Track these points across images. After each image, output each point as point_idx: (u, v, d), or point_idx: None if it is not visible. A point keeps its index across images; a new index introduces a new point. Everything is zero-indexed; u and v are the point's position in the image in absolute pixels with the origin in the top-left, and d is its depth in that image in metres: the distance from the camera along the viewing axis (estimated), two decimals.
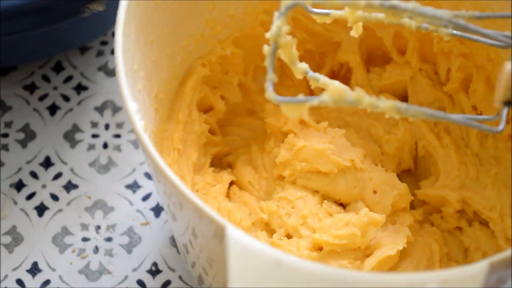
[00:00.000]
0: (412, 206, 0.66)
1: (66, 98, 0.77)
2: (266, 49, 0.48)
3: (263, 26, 0.68)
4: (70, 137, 0.75)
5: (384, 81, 0.70)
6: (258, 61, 0.69)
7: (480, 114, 0.65)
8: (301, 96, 0.48)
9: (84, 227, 0.70)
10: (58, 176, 0.73)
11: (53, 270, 0.68)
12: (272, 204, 0.63)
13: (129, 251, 0.69)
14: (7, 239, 0.69)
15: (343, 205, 0.64)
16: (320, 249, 0.61)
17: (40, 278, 0.68)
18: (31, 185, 0.72)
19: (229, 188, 0.66)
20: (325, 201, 0.63)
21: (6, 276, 0.68)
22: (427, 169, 0.68)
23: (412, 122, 0.67)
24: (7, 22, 0.67)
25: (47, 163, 0.73)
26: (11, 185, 0.72)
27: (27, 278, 0.68)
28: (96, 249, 0.69)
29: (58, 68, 0.79)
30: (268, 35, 0.49)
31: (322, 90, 0.48)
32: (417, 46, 0.67)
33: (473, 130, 0.66)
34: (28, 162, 0.73)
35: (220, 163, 0.69)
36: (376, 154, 0.67)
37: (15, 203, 0.71)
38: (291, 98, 0.48)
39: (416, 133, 0.68)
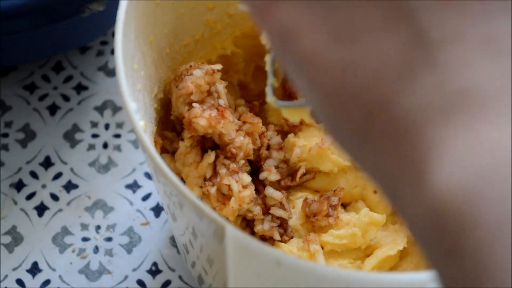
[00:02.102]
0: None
1: (66, 98, 0.77)
2: (266, 57, 0.48)
3: None
4: (70, 137, 0.75)
5: None
6: (258, 61, 0.69)
7: None
8: (302, 100, 0.48)
9: (84, 227, 0.70)
10: (58, 176, 0.73)
11: (53, 270, 0.68)
12: None
13: (129, 251, 0.69)
14: (7, 239, 0.69)
15: (343, 205, 0.64)
16: None
17: (40, 278, 0.68)
18: (31, 185, 0.72)
19: None
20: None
21: (6, 276, 0.68)
22: None
23: None
24: (7, 22, 0.67)
25: (47, 163, 0.73)
26: (11, 185, 0.72)
27: (27, 278, 0.68)
28: (96, 249, 0.69)
29: (58, 68, 0.79)
30: (267, 45, 0.49)
31: None
32: None
33: None
34: (28, 162, 0.73)
35: None
36: None
37: (15, 203, 0.71)
38: (292, 102, 0.48)
39: None
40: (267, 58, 0.49)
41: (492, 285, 0.23)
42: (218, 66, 0.60)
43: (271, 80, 0.48)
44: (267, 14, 0.28)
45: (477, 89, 0.24)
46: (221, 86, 0.60)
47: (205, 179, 0.58)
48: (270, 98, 0.48)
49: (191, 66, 0.60)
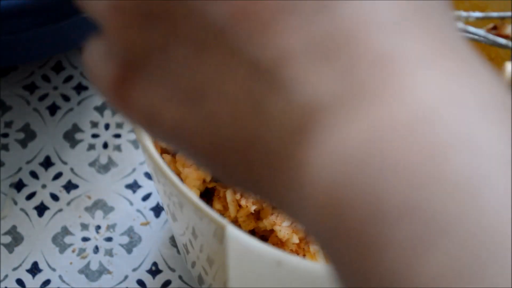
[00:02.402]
0: None
1: (66, 98, 0.77)
2: None
3: None
4: (70, 137, 0.75)
5: None
6: None
7: None
8: None
9: (84, 227, 0.70)
10: (58, 176, 0.73)
11: (53, 270, 0.68)
12: None
13: (129, 251, 0.69)
14: (7, 239, 0.69)
15: None
16: None
17: (40, 278, 0.68)
18: (31, 185, 0.72)
19: None
20: None
21: (6, 276, 0.68)
22: None
23: None
24: (7, 22, 0.66)
25: (47, 163, 0.73)
26: (11, 185, 0.72)
27: (27, 278, 0.68)
28: (96, 249, 0.69)
29: (58, 68, 0.79)
30: None
31: None
32: None
33: None
34: (28, 162, 0.73)
35: None
36: None
37: (15, 203, 0.71)
38: None
39: None
40: None
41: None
42: None
43: None
44: (125, 104, 0.29)
45: (319, 102, 0.25)
46: None
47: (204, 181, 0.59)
48: None
49: None
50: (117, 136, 0.75)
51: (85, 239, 0.70)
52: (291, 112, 0.25)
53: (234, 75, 0.26)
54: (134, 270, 0.68)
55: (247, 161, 0.27)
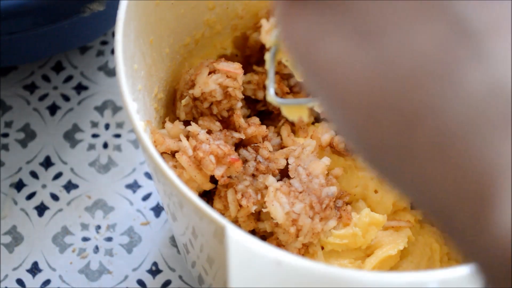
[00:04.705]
0: (413, 206, 0.66)
1: (66, 98, 0.77)
2: (266, 55, 0.48)
3: None
4: (70, 137, 0.75)
5: None
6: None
7: None
8: (301, 98, 0.48)
9: (84, 227, 0.70)
10: (58, 176, 0.73)
11: (53, 270, 0.68)
12: None
13: (129, 251, 0.69)
14: (7, 239, 0.69)
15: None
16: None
17: (40, 278, 0.68)
18: (31, 185, 0.72)
19: None
20: None
21: (6, 276, 0.68)
22: None
23: None
24: (7, 22, 0.66)
25: (47, 163, 0.73)
26: (11, 185, 0.72)
27: (27, 278, 0.68)
28: (96, 249, 0.69)
29: (58, 68, 0.79)
30: (267, 44, 0.49)
31: None
32: None
33: None
34: (28, 162, 0.73)
35: None
36: None
37: (15, 203, 0.71)
38: (292, 100, 0.48)
39: None
40: (267, 57, 0.49)
41: None
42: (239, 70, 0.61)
43: (271, 79, 0.48)
44: (285, 27, 0.26)
45: None
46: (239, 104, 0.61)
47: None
48: (270, 96, 0.48)
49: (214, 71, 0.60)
50: (117, 136, 0.75)
51: (85, 239, 0.70)
52: (495, 91, 0.21)
53: (433, 28, 0.22)
54: (134, 270, 0.68)
55: (408, 142, 0.22)
